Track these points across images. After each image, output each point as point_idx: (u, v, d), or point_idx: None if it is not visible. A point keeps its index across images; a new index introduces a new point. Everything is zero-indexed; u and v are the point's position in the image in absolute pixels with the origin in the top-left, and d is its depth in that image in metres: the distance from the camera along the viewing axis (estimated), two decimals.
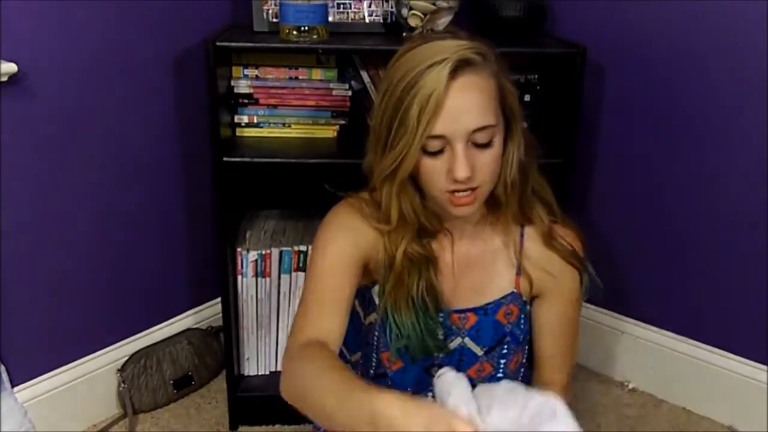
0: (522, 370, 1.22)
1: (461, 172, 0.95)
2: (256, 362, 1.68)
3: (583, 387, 1.83)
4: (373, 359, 1.17)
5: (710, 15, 1.53)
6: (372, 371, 1.19)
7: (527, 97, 1.59)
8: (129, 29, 1.53)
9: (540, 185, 1.13)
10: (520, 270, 1.12)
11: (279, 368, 1.70)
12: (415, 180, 1.04)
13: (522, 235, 1.13)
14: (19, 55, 1.34)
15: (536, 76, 1.59)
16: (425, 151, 0.97)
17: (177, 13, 1.60)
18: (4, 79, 1.32)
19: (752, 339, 1.63)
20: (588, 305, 1.88)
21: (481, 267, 1.12)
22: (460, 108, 0.94)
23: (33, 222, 1.47)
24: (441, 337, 1.09)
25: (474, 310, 1.12)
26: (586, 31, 1.64)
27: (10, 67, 1.32)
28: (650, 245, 1.75)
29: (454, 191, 0.98)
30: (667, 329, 1.77)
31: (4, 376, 1.48)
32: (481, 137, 0.96)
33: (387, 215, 1.05)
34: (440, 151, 0.97)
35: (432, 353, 1.10)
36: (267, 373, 1.70)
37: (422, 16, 1.47)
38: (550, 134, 1.58)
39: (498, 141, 0.99)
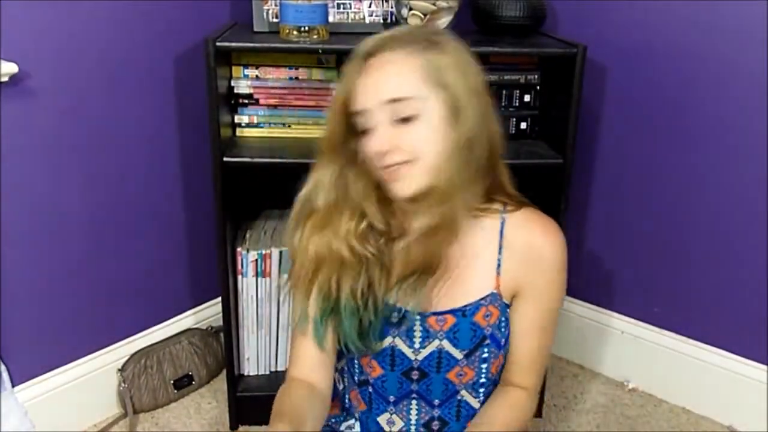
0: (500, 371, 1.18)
1: (374, 145, 0.97)
2: (256, 362, 1.68)
3: (583, 387, 1.84)
4: (356, 365, 1.17)
5: (710, 15, 1.53)
6: (356, 378, 1.19)
7: (527, 97, 1.59)
8: (129, 29, 1.53)
9: (505, 179, 1.11)
10: (500, 269, 1.09)
11: (279, 368, 1.71)
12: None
13: (503, 224, 1.09)
14: (19, 55, 1.34)
15: (536, 76, 1.59)
16: (363, 133, 1.00)
17: (177, 13, 1.61)
18: (5, 79, 1.32)
19: (752, 339, 1.63)
20: (589, 305, 1.88)
21: (460, 269, 1.09)
22: (372, 81, 0.98)
23: (33, 222, 1.47)
24: (373, 341, 1.09)
25: (452, 311, 1.09)
26: (586, 31, 1.64)
27: (11, 67, 1.32)
28: (650, 245, 1.75)
29: (387, 167, 0.99)
30: (667, 329, 1.77)
31: (5, 375, 1.48)
32: (401, 110, 0.96)
33: (315, 194, 1.09)
34: (370, 130, 0.99)
35: (365, 351, 1.11)
36: (267, 372, 1.70)
37: (422, 16, 1.47)
38: (550, 134, 1.59)
39: (428, 119, 0.97)
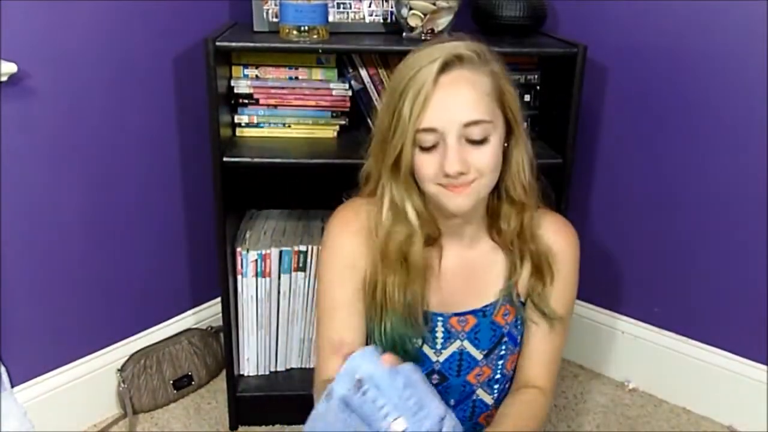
0: None
1: (452, 165, 0.96)
2: (255, 362, 1.68)
3: (583, 387, 1.84)
4: None
5: (711, 15, 1.53)
6: None
7: (527, 97, 1.59)
8: (129, 29, 1.53)
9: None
10: (516, 269, 1.12)
11: (279, 368, 1.71)
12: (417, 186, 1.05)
13: None
14: (19, 55, 1.34)
15: (536, 76, 1.59)
16: (420, 147, 0.98)
17: (177, 13, 1.60)
18: (4, 79, 1.32)
19: (752, 339, 1.63)
20: (589, 305, 1.88)
21: (480, 270, 1.13)
22: (450, 101, 0.96)
23: (33, 222, 1.47)
24: (413, 348, 1.10)
25: (473, 312, 1.12)
26: (587, 30, 1.64)
27: (10, 67, 1.32)
28: (650, 245, 1.75)
29: (447, 185, 0.99)
30: (667, 329, 1.77)
31: (4, 376, 1.48)
32: (475, 133, 0.97)
33: (403, 214, 1.05)
34: (434, 147, 0.98)
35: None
36: (267, 373, 1.70)
37: (422, 16, 1.47)
38: (550, 134, 1.58)
39: (495, 139, 0.99)
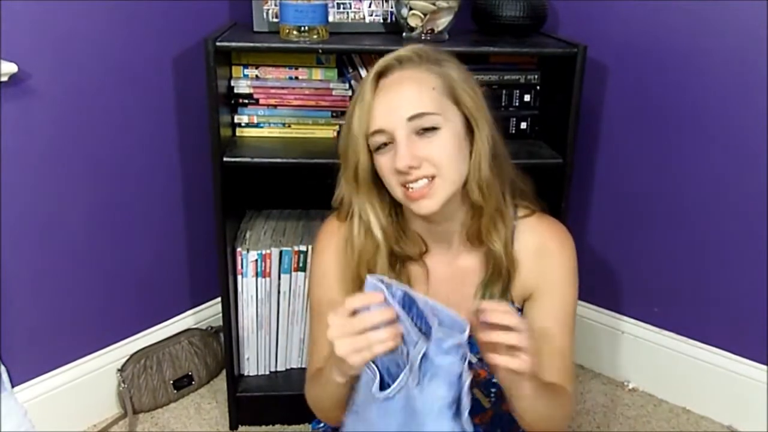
0: None
1: (401, 160, 0.97)
2: (256, 362, 1.68)
3: (583, 387, 1.84)
4: None
5: (711, 15, 1.53)
6: None
7: (527, 97, 1.59)
8: (129, 29, 1.53)
9: (522, 185, 1.14)
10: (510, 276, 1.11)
11: (279, 368, 1.71)
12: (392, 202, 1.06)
13: (513, 230, 1.12)
14: (19, 55, 1.34)
15: (536, 76, 1.59)
16: (377, 150, 1.01)
17: (176, 13, 1.60)
18: (4, 79, 1.32)
19: (752, 339, 1.63)
20: (588, 305, 1.88)
21: (469, 276, 1.12)
22: (392, 99, 0.98)
23: (33, 222, 1.47)
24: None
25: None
26: (587, 30, 1.64)
27: (10, 67, 1.32)
28: (650, 245, 1.75)
29: (407, 185, 1.00)
30: (667, 329, 1.77)
31: (4, 376, 1.48)
32: (423, 123, 0.98)
33: (367, 228, 1.07)
34: (387, 145, 1.00)
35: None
36: (267, 373, 1.70)
37: (422, 16, 1.47)
38: (550, 134, 1.58)
39: (447, 131, 0.99)
